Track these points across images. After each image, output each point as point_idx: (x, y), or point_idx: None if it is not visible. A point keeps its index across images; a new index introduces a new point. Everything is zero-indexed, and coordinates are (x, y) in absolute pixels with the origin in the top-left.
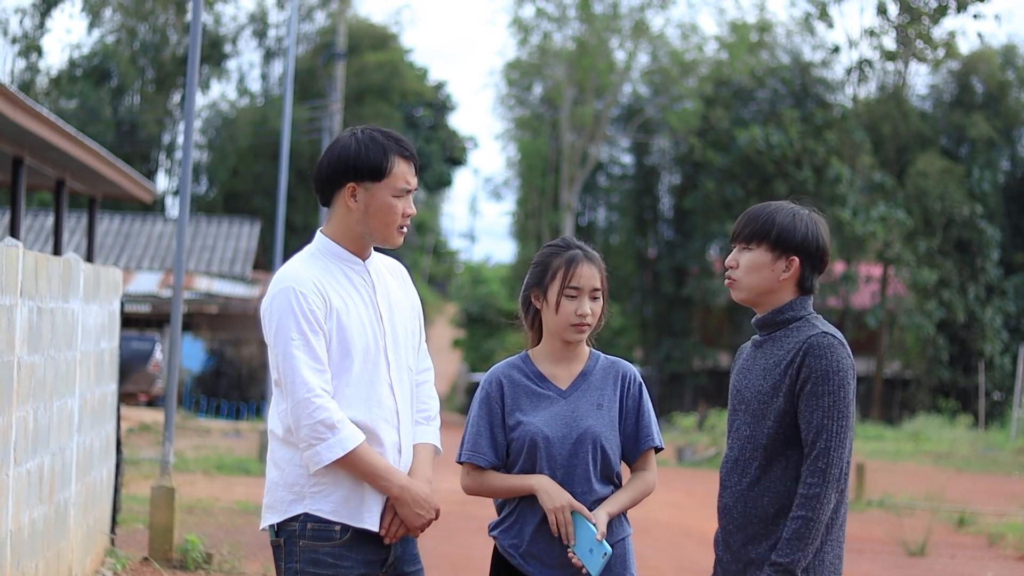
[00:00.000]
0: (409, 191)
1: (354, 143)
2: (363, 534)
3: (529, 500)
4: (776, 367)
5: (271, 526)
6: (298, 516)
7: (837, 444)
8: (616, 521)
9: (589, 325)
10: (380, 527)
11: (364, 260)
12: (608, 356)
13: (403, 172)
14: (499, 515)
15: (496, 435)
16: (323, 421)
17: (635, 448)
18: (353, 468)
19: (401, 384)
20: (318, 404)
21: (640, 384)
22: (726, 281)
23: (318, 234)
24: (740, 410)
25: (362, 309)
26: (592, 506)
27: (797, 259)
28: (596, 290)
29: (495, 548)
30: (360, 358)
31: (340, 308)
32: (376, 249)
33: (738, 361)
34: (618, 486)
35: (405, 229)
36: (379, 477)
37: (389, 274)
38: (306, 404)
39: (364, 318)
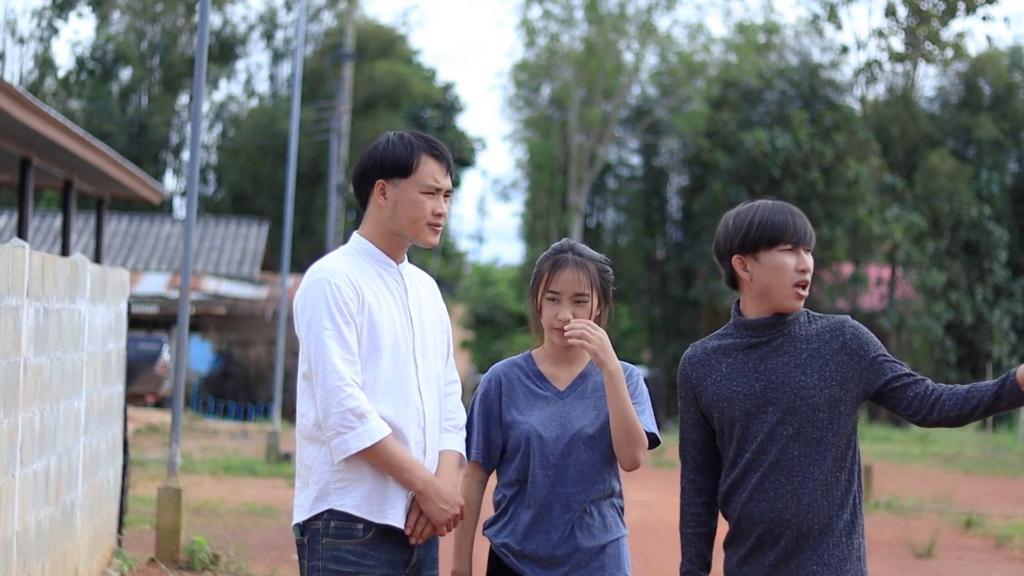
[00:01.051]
0: (439, 189)
1: (384, 142)
2: (386, 534)
3: (521, 499)
4: (815, 359)
5: (296, 525)
6: (322, 514)
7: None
8: (612, 521)
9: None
10: (406, 526)
11: (398, 263)
12: None
13: (431, 170)
14: (494, 513)
15: (491, 434)
16: (353, 410)
17: None
18: (378, 460)
19: (429, 388)
20: (348, 393)
21: (638, 381)
22: (803, 289)
23: (354, 235)
24: (764, 412)
25: (393, 309)
26: (588, 505)
27: None
28: (579, 295)
29: (490, 548)
30: (389, 354)
31: (372, 303)
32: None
33: (716, 367)
34: (611, 487)
35: (438, 228)
36: (404, 470)
37: (421, 284)
38: (336, 392)
39: (395, 317)
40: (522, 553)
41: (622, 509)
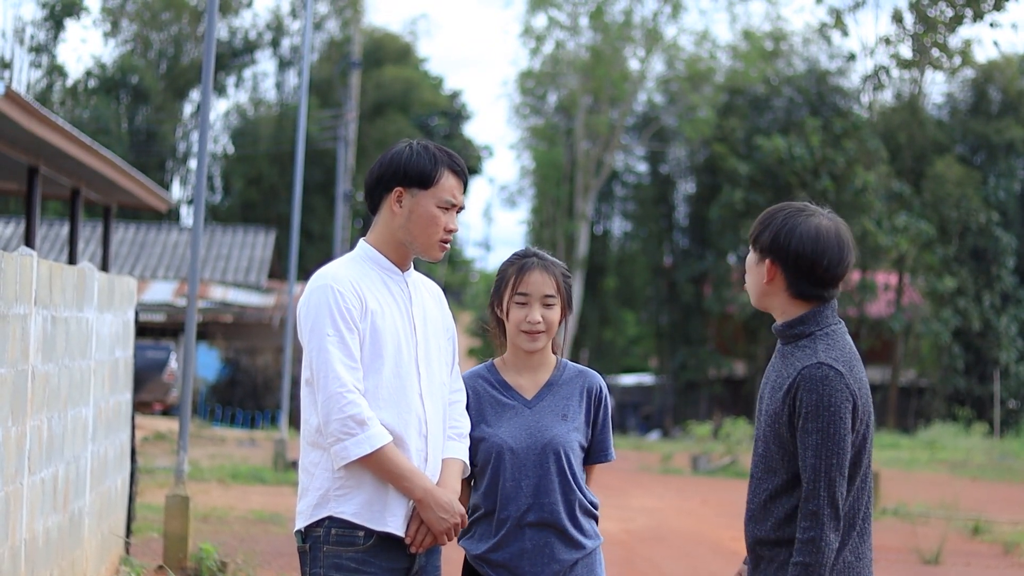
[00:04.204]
0: (454, 205)
1: (407, 150)
2: (387, 541)
3: (495, 511)
4: (780, 389)
5: (298, 532)
6: (322, 521)
7: (827, 483)
8: (589, 530)
9: (542, 332)
10: (406, 535)
11: (404, 272)
12: (576, 365)
13: (451, 185)
14: (468, 523)
15: None
16: (354, 416)
17: (587, 460)
18: (378, 468)
19: (432, 396)
20: (350, 399)
21: (606, 398)
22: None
23: (360, 242)
24: (759, 421)
25: (397, 316)
26: (564, 514)
27: (770, 262)
28: (548, 296)
29: (465, 559)
30: (391, 362)
31: (376, 310)
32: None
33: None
34: (585, 495)
35: (447, 244)
36: (403, 478)
37: (427, 292)
38: (338, 398)
39: (398, 325)
40: (498, 563)
41: (596, 518)
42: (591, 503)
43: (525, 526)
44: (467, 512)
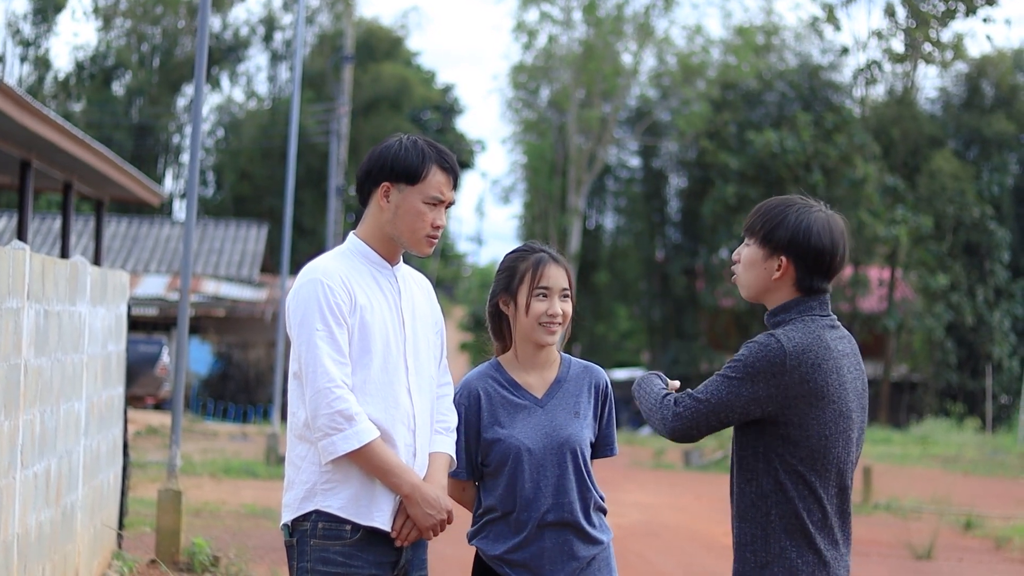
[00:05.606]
0: (442, 201)
1: (397, 145)
2: (373, 535)
3: (513, 511)
4: None
5: (284, 526)
6: (309, 515)
7: (700, 397)
8: (601, 527)
9: (560, 325)
10: (392, 529)
11: (393, 265)
12: (579, 361)
13: (438, 182)
14: (476, 523)
15: (470, 448)
16: (342, 412)
17: (591, 455)
18: (366, 463)
19: (420, 391)
20: (338, 395)
21: (611, 393)
22: (733, 277)
23: (350, 235)
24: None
25: (385, 311)
26: (581, 512)
27: (785, 258)
28: (565, 290)
29: (476, 557)
30: (380, 357)
31: (365, 305)
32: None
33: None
34: (597, 491)
35: (435, 240)
36: (391, 474)
37: (416, 285)
38: (326, 393)
39: (387, 320)
40: (518, 563)
41: (605, 511)
42: (600, 497)
43: (545, 527)
44: (481, 512)
